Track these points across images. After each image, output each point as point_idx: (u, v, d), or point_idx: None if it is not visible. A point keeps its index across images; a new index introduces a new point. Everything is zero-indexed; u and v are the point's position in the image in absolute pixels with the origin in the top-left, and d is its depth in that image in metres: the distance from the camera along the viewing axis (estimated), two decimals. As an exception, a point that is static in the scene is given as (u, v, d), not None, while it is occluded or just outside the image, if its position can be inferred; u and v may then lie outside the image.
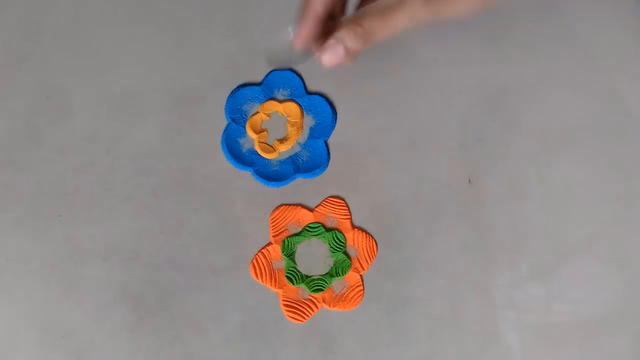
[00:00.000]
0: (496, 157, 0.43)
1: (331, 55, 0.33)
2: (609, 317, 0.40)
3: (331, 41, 0.33)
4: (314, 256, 0.41)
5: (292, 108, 0.43)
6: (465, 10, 0.32)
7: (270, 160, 0.42)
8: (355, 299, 0.40)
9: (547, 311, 0.40)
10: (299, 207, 0.41)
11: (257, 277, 0.40)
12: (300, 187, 0.42)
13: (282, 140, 0.42)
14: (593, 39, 0.45)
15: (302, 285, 0.40)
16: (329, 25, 0.33)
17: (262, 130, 0.43)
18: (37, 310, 0.39)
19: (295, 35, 0.33)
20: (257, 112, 0.43)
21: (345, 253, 0.41)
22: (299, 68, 0.44)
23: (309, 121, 0.43)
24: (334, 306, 0.39)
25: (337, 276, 0.40)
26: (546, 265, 0.41)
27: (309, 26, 0.32)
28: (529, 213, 0.42)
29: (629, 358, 0.40)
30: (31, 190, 0.41)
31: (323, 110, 0.43)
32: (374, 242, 0.41)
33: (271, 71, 0.44)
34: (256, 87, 0.43)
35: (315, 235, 0.41)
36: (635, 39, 0.46)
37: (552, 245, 0.41)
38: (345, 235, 0.41)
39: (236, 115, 0.43)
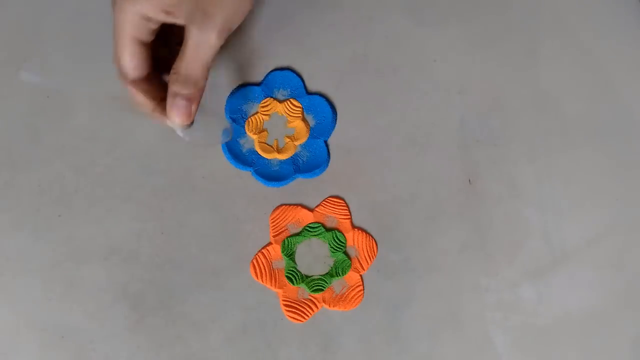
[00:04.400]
0: (496, 157, 0.43)
1: (177, 111, 0.34)
2: (598, 323, 0.40)
3: (168, 100, 0.33)
4: (314, 256, 0.41)
5: (297, 125, 0.43)
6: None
7: (270, 160, 0.42)
8: (355, 299, 0.40)
9: (536, 314, 0.40)
10: (299, 207, 0.41)
11: (257, 277, 0.40)
12: (300, 187, 0.42)
13: (293, 139, 0.42)
14: (593, 39, 0.45)
15: (302, 285, 0.40)
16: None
17: (262, 130, 0.43)
18: (37, 310, 0.39)
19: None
20: (257, 112, 0.43)
21: (345, 253, 0.41)
22: (299, 68, 0.44)
23: (308, 121, 0.43)
24: (334, 306, 0.39)
25: (337, 276, 0.40)
26: (542, 274, 0.41)
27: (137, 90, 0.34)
28: (528, 214, 0.42)
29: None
30: (31, 190, 0.41)
31: (323, 110, 0.43)
32: (374, 242, 0.41)
33: (271, 71, 0.44)
34: (256, 87, 0.43)
35: (315, 235, 0.41)
36: (635, 38, 0.46)
37: (549, 248, 0.41)
38: (345, 235, 0.41)
39: (236, 115, 0.43)
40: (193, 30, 0.31)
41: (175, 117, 0.34)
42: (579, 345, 0.40)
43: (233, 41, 0.44)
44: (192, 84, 0.33)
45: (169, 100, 0.33)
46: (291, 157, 0.42)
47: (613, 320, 0.40)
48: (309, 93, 0.44)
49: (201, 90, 0.34)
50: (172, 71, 0.33)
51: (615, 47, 0.45)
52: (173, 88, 0.33)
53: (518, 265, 0.41)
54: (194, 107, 0.34)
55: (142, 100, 0.34)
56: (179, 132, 0.35)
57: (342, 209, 0.41)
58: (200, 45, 0.31)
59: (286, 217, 0.41)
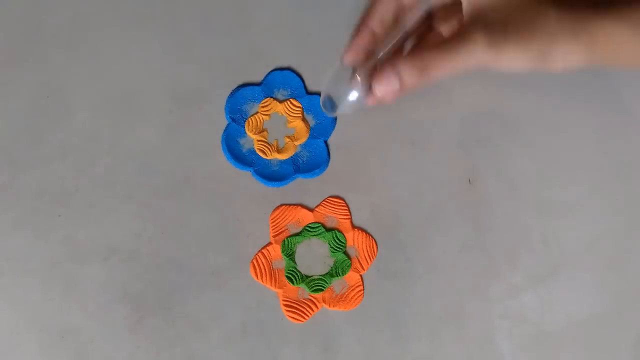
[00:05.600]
0: (496, 157, 0.43)
1: (385, 85, 0.30)
2: (602, 328, 0.40)
3: (387, 70, 0.30)
4: (314, 256, 0.41)
5: (297, 125, 0.43)
6: (523, 67, 0.30)
7: (270, 160, 0.42)
8: (355, 299, 0.40)
9: (541, 321, 0.40)
10: (299, 207, 0.41)
11: (257, 277, 0.40)
12: (300, 187, 0.42)
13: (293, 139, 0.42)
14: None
15: (302, 285, 0.40)
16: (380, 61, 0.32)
17: (262, 130, 0.43)
18: (37, 310, 0.39)
19: (346, 51, 0.32)
20: (257, 112, 0.43)
21: (345, 253, 0.41)
22: (299, 68, 0.44)
23: (308, 121, 0.43)
24: (334, 306, 0.39)
25: (337, 276, 0.40)
26: (542, 274, 0.41)
27: (363, 40, 0.31)
28: (528, 214, 0.42)
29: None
30: (31, 190, 0.41)
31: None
32: (374, 242, 0.41)
33: (271, 71, 0.44)
34: (256, 87, 0.43)
35: (315, 235, 0.41)
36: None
37: (548, 250, 0.41)
38: (345, 235, 0.41)
39: (236, 115, 0.43)
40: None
41: (379, 92, 0.30)
42: (581, 349, 0.40)
43: (233, 41, 0.44)
44: (420, 77, 0.29)
45: (388, 72, 0.30)
46: (291, 157, 0.42)
47: (615, 324, 0.40)
48: (309, 93, 0.44)
49: (414, 86, 0.30)
50: (413, 50, 0.30)
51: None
52: (401, 67, 0.29)
53: (519, 267, 0.41)
54: (398, 94, 0.30)
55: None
56: (350, 100, 0.32)
57: (342, 209, 0.41)
58: (463, 49, 0.28)
59: (286, 217, 0.41)
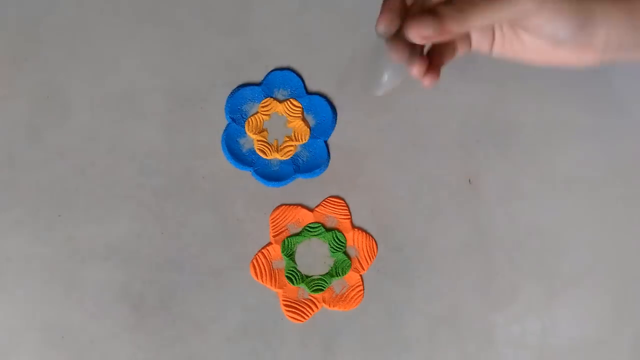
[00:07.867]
0: (496, 157, 0.43)
1: (421, 28, 0.27)
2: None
3: (424, 13, 0.27)
4: (314, 256, 0.41)
5: (297, 125, 0.43)
6: (563, 31, 0.28)
7: (270, 160, 0.42)
8: (355, 299, 0.40)
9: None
10: (299, 207, 0.41)
11: (257, 277, 0.40)
12: (300, 187, 0.42)
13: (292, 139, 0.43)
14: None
15: (302, 285, 0.40)
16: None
17: (262, 130, 0.43)
18: (38, 310, 0.39)
19: (379, 19, 0.29)
20: (257, 112, 0.43)
21: (345, 253, 0.41)
22: (299, 68, 0.44)
23: (308, 121, 0.43)
24: (334, 306, 0.39)
25: (337, 276, 0.40)
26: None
27: (395, 3, 0.29)
28: (528, 213, 0.42)
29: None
30: (31, 190, 0.41)
31: (323, 110, 0.43)
32: (374, 242, 0.41)
33: (271, 71, 0.44)
34: (256, 87, 0.43)
35: (315, 235, 0.41)
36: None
37: (547, 250, 0.41)
38: (345, 235, 0.41)
39: (236, 115, 0.43)
40: None
41: (414, 32, 0.27)
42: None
43: (233, 41, 0.44)
44: (460, 20, 0.27)
45: (426, 15, 0.27)
46: (291, 157, 0.42)
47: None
48: (309, 93, 0.44)
49: (449, 34, 0.28)
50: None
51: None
52: (439, 10, 0.27)
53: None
54: (436, 37, 0.28)
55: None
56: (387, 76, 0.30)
57: (342, 209, 0.41)
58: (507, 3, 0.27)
59: (286, 217, 0.41)
